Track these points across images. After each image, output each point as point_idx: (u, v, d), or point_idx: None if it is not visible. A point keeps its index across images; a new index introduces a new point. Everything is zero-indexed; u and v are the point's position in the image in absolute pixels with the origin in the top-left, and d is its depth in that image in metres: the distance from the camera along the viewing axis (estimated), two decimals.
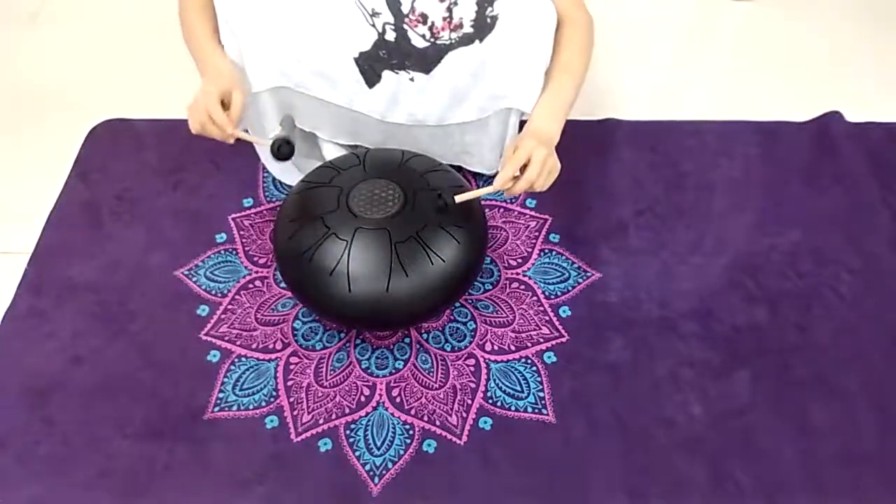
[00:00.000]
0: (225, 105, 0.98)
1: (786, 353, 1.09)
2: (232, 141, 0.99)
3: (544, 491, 0.96)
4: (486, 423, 1.02)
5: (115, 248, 1.20)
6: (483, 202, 1.24)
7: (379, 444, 1.00)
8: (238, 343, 1.09)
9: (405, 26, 1.04)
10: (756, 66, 1.54)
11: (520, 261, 1.19)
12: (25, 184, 1.30)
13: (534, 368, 1.07)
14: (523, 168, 0.95)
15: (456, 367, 1.07)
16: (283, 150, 1.00)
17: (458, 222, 1.00)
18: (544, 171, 0.96)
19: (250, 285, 1.16)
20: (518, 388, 1.05)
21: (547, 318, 1.12)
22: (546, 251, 1.20)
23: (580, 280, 1.16)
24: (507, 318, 1.12)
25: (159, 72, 1.49)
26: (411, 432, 1.01)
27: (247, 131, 1.17)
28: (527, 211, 1.25)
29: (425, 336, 1.10)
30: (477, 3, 1.03)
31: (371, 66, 1.07)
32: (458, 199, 0.98)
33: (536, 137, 0.98)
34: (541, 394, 1.04)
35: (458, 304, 1.13)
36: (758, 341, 1.10)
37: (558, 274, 1.17)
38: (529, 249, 1.20)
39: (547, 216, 1.24)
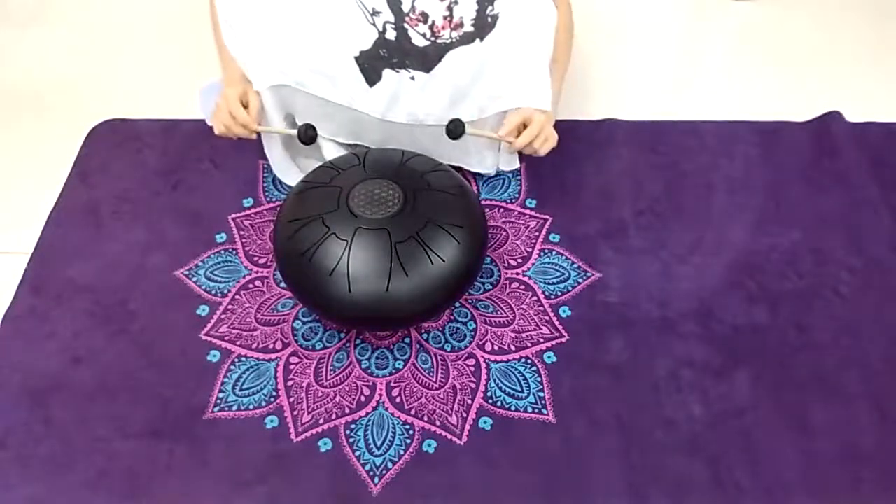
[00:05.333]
0: (244, 104, 1.06)
1: (786, 353, 1.09)
2: (254, 136, 1.08)
3: (544, 491, 0.96)
4: (486, 423, 1.02)
5: (115, 248, 1.20)
6: (483, 202, 1.25)
7: (379, 444, 1.00)
8: (238, 343, 1.09)
9: (406, 25, 1.04)
10: (756, 66, 1.54)
11: (520, 261, 1.19)
12: (25, 184, 1.30)
13: (534, 368, 1.07)
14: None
15: (456, 367, 1.07)
16: (309, 132, 1.03)
17: (458, 222, 1.00)
18: (543, 133, 1.07)
19: (250, 285, 1.16)
20: (518, 388, 1.05)
21: (547, 318, 1.12)
22: (546, 251, 1.20)
23: (580, 280, 1.16)
24: (507, 318, 1.12)
25: (159, 72, 1.49)
26: (411, 432, 1.01)
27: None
28: (527, 211, 1.25)
29: (425, 336, 1.10)
30: (477, 2, 1.03)
31: (371, 65, 1.07)
32: (469, 131, 1.05)
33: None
34: (541, 394, 1.04)
35: (458, 304, 1.13)
36: (758, 341, 1.10)
37: (558, 274, 1.17)
38: (529, 249, 1.20)
39: (547, 216, 1.24)
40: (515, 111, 1.07)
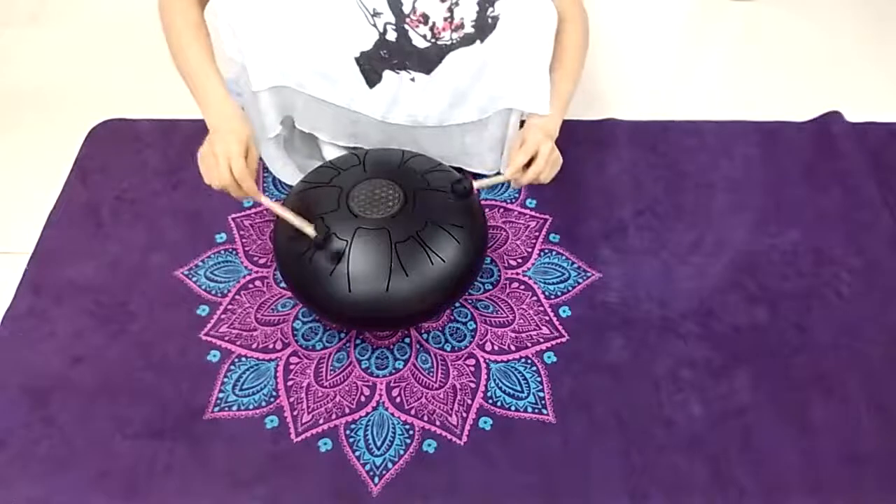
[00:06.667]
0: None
1: (786, 353, 1.09)
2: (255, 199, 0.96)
3: (544, 491, 0.96)
4: (486, 423, 1.02)
5: (115, 248, 1.20)
6: (483, 202, 1.25)
7: (379, 444, 1.00)
8: (238, 343, 1.09)
9: (406, 26, 1.04)
10: (756, 66, 1.54)
11: (520, 261, 1.19)
12: (25, 184, 1.30)
13: (534, 368, 1.07)
14: (530, 164, 1.02)
15: (456, 367, 1.07)
16: (325, 237, 0.94)
17: (458, 222, 1.00)
18: (549, 164, 1.02)
19: (250, 285, 1.16)
20: (518, 388, 1.05)
21: (547, 318, 1.12)
22: (546, 251, 1.20)
23: (580, 280, 1.16)
24: (507, 318, 1.12)
25: (159, 72, 1.48)
26: (411, 432, 1.01)
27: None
28: (527, 211, 1.25)
29: (425, 336, 1.10)
30: (478, 4, 1.03)
31: (372, 66, 1.07)
32: (477, 185, 1.02)
33: (542, 131, 1.04)
34: (541, 394, 1.04)
35: (458, 304, 1.13)
36: (758, 341, 1.10)
37: (558, 274, 1.17)
38: (529, 249, 1.20)
39: (547, 216, 1.24)
40: (520, 148, 1.02)
